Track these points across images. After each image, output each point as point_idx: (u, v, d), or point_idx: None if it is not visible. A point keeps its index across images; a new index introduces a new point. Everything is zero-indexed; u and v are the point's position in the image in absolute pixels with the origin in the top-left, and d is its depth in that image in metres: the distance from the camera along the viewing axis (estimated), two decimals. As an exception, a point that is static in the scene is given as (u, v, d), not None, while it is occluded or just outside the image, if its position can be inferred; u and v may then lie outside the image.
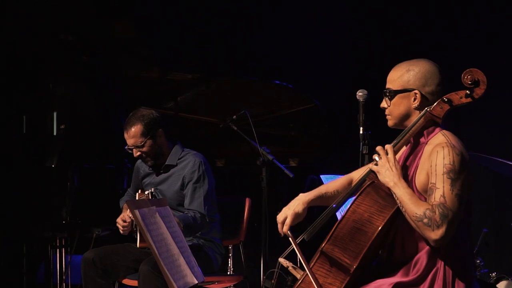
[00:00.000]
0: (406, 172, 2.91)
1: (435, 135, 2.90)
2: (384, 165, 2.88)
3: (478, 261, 4.41)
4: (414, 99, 2.92)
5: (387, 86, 2.99)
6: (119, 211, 4.53)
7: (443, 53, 5.86)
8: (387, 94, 2.97)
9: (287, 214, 3.08)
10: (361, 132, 3.59)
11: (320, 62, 6.60)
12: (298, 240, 3.02)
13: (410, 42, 6.07)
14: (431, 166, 2.80)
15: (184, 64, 6.23)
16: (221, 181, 4.83)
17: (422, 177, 2.85)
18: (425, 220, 2.74)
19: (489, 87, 2.86)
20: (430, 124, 2.92)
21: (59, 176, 5.10)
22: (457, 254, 2.85)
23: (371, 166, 2.93)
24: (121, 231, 4.40)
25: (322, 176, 4.70)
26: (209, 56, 6.68)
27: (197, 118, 5.93)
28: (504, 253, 5.77)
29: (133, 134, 4.48)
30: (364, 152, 3.21)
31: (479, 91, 2.86)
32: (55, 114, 6.13)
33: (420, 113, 2.92)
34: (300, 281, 2.94)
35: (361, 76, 5.97)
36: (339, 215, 3.83)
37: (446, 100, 2.88)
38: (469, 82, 2.85)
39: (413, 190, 2.84)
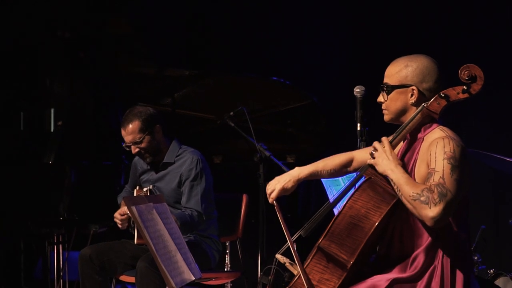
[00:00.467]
0: (404, 167, 2.88)
1: (432, 130, 2.89)
2: (381, 155, 2.88)
3: (476, 258, 4.41)
4: (411, 95, 2.91)
5: (385, 80, 2.97)
6: (116, 208, 4.52)
7: (440, 49, 5.86)
8: (384, 88, 2.96)
9: (275, 187, 3.16)
10: (358, 128, 3.60)
11: (317, 58, 6.59)
12: (295, 237, 3.02)
13: (407, 38, 6.06)
14: (430, 155, 2.79)
15: (181, 60, 6.22)
16: (219, 178, 4.83)
17: (422, 169, 2.83)
18: (422, 198, 2.71)
19: (487, 84, 2.86)
20: (427, 119, 2.90)
21: (57, 172, 5.10)
22: (455, 251, 2.84)
23: (368, 161, 2.93)
24: (119, 225, 4.40)
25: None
26: (206, 52, 6.67)
27: (194, 114, 5.92)
28: (502, 250, 5.77)
29: (131, 131, 4.47)
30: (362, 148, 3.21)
31: (476, 87, 2.85)
32: (52, 110, 6.13)
33: (416, 108, 2.91)
34: (297, 277, 2.94)
35: (359, 73, 5.95)
36: (336, 211, 3.83)
37: (443, 95, 2.86)
38: (466, 78, 2.84)
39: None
